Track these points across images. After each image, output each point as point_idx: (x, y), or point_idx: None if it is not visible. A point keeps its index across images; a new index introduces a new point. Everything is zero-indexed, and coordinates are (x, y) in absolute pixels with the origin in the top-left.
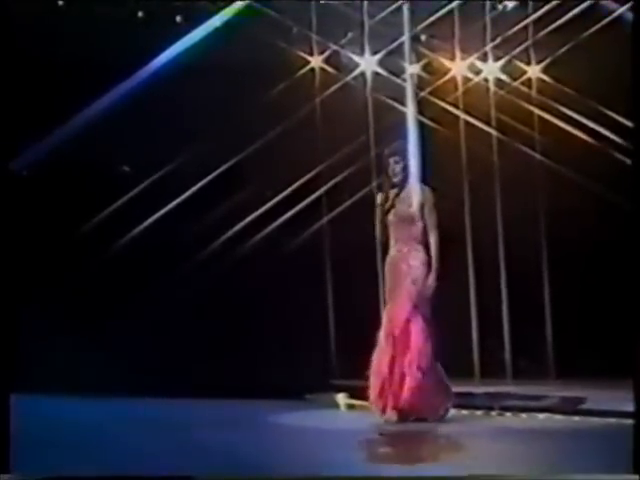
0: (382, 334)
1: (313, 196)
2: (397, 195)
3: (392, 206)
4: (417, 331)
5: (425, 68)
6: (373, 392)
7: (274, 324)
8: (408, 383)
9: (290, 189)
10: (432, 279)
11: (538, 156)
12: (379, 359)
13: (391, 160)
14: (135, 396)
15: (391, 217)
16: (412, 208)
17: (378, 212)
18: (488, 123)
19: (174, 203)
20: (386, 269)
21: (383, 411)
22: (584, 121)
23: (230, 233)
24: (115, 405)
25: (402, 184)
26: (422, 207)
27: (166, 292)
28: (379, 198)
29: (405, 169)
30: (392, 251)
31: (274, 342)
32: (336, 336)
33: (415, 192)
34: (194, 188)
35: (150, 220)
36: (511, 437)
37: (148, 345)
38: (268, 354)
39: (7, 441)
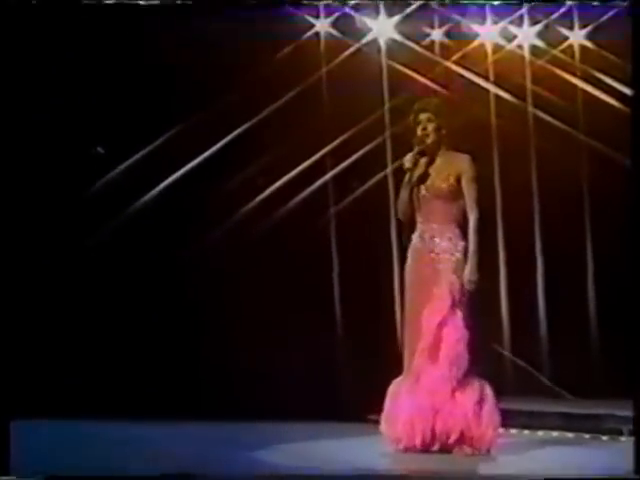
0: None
1: (317, 183)
2: (430, 163)
3: (425, 176)
4: (450, 338)
5: (449, 33)
6: (394, 418)
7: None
8: (439, 403)
9: (290, 175)
10: (471, 271)
11: (581, 136)
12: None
13: (423, 116)
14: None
15: (423, 191)
16: (451, 181)
17: (406, 182)
18: (523, 97)
19: (160, 186)
20: (410, 260)
21: (409, 442)
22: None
23: (223, 225)
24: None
25: (435, 149)
26: (459, 180)
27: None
28: (407, 163)
29: (439, 130)
30: (418, 235)
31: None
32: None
33: (453, 160)
34: (177, 174)
35: (134, 206)
36: None
37: (154, 361)
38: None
39: (7, 467)
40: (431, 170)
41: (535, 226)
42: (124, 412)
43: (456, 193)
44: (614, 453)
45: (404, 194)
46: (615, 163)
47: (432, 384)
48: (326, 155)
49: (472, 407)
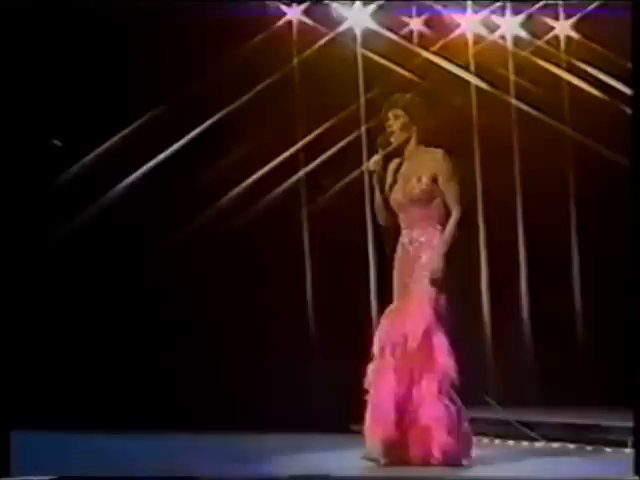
0: (386, 349)
1: (289, 181)
2: (400, 165)
3: (394, 180)
4: (440, 346)
5: (429, 23)
6: (376, 428)
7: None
8: (429, 414)
9: (259, 173)
10: (437, 259)
11: (567, 129)
12: (383, 383)
13: (390, 114)
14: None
15: (397, 195)
16: (424, 183)
17: (377, 187)
18: (506, 90)
19: (120, 186)
20: (395, 263)
21: (390, 454)
22: (621, 88)
23: (188, 227)
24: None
25: (403, 148)
26: (436, 179)
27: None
28: (372, 165)
29: (408, 127)
30: (402, 243)
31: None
32: None
33: (425, 158)
34: (142, 169)
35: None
36: None
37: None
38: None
39: (7, 477)
40: (402, 172)
41: (519, 224)
42: (124, 423)
43: (432, 194)
44: (611, 464)
45: (378, 200)
46: (602, 158)
47: (424, 397)
48: (298, 151)
49: (463, 418)
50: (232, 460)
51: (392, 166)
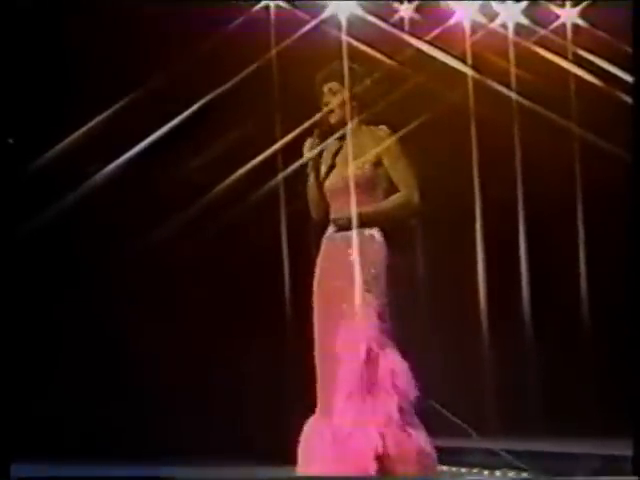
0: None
1: (268, 184)
2: (340, 147)
3: (332, 164)
4: (389, 359)
5: (421, 10)
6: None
7: None
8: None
9: (234, 175)
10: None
11: (574, 126)
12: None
13: (325, 89)
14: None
15: (333, 180)
16: (366, 165)
17: (310, 172)
18: (506, 83)
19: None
20: (319, 268)
21: None
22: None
23: (158, 233)
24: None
25: (343, 128)
26: (380, 161)
27: None
28: (308, 152)
29: (348, 103)
30: (330, 238)
31: None
32: None
33: (368, 138)
34: (105, 169)
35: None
36: None
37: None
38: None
39: None
40: (342, 155)
41: (520, 227)
42: (124, 455)
43: (374, 180)
44: None
45: (313, 188)
46: (611, 156)
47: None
48: (276, 152)
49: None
50: None
51: (331, 148)
